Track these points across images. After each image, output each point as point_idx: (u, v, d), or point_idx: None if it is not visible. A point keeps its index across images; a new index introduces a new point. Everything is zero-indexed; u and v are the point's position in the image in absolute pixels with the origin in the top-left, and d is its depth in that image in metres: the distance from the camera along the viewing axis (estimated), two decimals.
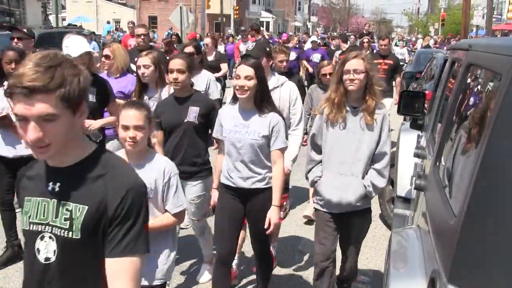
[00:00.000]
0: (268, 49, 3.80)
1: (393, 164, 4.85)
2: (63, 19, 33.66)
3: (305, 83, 12.70)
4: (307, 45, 16.83)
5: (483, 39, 3.56)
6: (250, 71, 3.02)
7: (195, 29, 24.50)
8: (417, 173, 3.05)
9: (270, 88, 3.41)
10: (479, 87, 2.05)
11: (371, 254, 4.57)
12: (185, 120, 3.57)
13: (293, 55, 11.21)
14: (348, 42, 12.08)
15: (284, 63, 5.14)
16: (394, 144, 4.65)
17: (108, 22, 31.38)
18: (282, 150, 3.18)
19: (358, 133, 3.08)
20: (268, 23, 55.69)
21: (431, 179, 2.45)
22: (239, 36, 14.21)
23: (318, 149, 3.26)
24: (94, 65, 4.30)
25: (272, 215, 3.11)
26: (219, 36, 18.24)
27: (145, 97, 4.11)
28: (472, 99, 2.13)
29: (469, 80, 2.30)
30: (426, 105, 4.46)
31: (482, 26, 35.66)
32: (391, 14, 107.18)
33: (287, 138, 3.37)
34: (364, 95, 3.06)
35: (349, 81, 3.00)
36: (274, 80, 3.83)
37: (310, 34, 27.08)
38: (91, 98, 4.00)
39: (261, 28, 19.95)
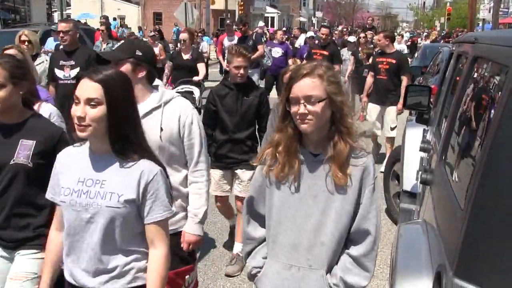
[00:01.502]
0: (139, 52, 2.50)
1: (399, 158, 4.85)
2: (68, 16, 33.73)
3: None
4: (299, 41, 15.38)
5: (490, 31, 3.53)
6: (95, 91, 1.80)
7: (199, 25, 24.47)
8: (423, 167, 3.04)
9: (145, 110, 2.40)
10: (485, 80, 2.03)
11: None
12: (12, 161, 2.32)
13: (278, 52, 10.58)
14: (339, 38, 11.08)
15: (242, 71, 3.83)
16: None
17: (114, 19, 31.37)
18: (163, 223, 1.93)
19: (321, 198, 1.87)
20: (273, 18, 55.56)
21: (437, 173, 2.45)
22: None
23: (260, 220, 2.04)
24: None
25: None
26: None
27: None
28: (478, 92, 2.12)
29: (475, 73, 2.29)
30: (432, 99, 4.44)
31: (489, 20, 35.42)
32: (396, 8, 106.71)
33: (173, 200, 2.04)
34: (331, 135, 1.85)
35: (299, 117, 1.80)
36: (155, 98, 2.55)
37: (314, 29, 26.32)
38: None
39: (263, 24, 19.25)
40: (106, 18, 16.27)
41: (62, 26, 5.22)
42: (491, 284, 1.49)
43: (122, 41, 8.70)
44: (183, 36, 7.61)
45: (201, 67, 7.48)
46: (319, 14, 70.98)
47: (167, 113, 2.56)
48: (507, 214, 1.49)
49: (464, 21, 37.35)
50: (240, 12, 38.28)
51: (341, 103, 1.82)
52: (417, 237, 2.34)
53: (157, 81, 2.73)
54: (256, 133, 4.12)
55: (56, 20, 22.93)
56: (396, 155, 5.29)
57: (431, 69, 10.31)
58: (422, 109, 4.20)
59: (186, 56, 7.46)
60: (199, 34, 15.40)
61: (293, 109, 1.81)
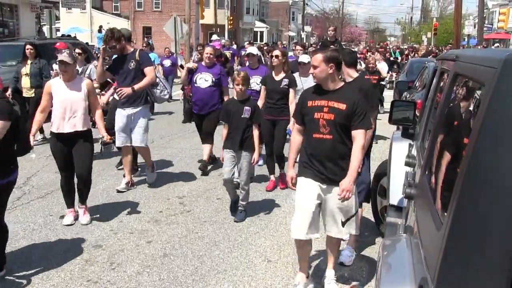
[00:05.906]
0: None
1: (385, 173, 4.89)
2: (57, 30, 33.68)
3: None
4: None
5: (469, 50, 3.61)
6: None
7: (189, 40, 24.60)
8: (407, 182, 3.08)
9: None
10: (465, 96, 2.09)
11: (364, 262, 4.59)
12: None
13: (207, 79, 7.02)
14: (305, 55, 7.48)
15: None
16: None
17: (100, 31, 31.07)
18: None
19: None
20: (262, 33, 56.03)
21: (420, 188, 2.49)
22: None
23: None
24: None
25: None
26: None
27: None
28: (458, 108, 2.17)
29: (455, 90, 2.35)
30: (417, 114, 4.51)
31: (474, 35, 36.03)
32: (384, 23, 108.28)
33: None
34: None
35: None
36: None
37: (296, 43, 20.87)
38: None
39: (218, 38, 15.88)
40: None
41: None
42: None
43: None
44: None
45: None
46: (307, 28, 71.65)
47: None
48: (486, 229, 1.52)
49: (450, 36, 37.96)
50: (229, 26, 38.53)
51: None
52: (401, 251, 2.37)
53: None
54: None
55: (46, 34, 22.84)
56: (382, 170, 5.34)
57: (417, 84, 10.45)
58: (407, 124, 4.26)
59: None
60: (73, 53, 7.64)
61: None
